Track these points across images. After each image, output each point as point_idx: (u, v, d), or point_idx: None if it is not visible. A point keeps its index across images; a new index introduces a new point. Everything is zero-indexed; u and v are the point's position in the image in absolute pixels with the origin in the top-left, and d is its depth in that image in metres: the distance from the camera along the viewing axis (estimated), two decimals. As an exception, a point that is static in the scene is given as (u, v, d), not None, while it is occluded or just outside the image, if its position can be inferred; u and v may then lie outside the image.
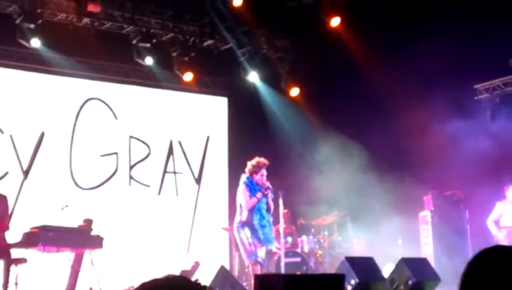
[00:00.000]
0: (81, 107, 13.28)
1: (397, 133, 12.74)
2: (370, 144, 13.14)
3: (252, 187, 10.02)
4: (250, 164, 10.14)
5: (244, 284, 11.21)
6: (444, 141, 12.63)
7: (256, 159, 10.18)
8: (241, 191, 10.05)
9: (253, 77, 14.26)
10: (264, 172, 10.09)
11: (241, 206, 10.04)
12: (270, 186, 10.09)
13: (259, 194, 9.94)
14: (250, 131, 14.11)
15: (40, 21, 11.96)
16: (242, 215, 9.98)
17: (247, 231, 9.89)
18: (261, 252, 9.94)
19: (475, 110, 13.74)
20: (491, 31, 12.05)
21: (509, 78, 13.77)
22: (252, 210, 9.94)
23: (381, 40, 12.78)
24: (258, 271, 9.80)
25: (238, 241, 10.11)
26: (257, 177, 10.05)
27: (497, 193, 12.32)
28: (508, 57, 13.34)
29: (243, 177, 10.12)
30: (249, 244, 9.86)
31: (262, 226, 9.92)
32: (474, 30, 12.02)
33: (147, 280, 2.15)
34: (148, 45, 13.10)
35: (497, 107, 13.93)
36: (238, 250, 12.96)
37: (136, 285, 2.26)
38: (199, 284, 2.15)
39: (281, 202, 10.41)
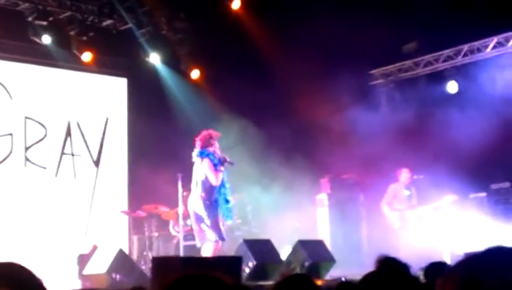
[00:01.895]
0: (-26, 86, 12.84)
1: (296, 118, 12.92)
2: (269, 128, 13.23)
3: (214, 160, 9.59)
4: (199, 140, 9.74)
5: (143, 267, 11.17)
6: (342, 125, 12.91)
7: (207, 132, 9.81)
8: (206, 165, 9.53)
9: (154, 59, 14.10)
10: (217, 144, 9.77)
11: (206, 181, 9.55)
12: (227, 159, 9.75)
13: (222, 167, 9.60)
14: (150, 113, 13.96)
15: None
16: (208, 191, 9.57)
17: (214, 207, 9.55)
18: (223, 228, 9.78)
19: (371, 95, 14.11)
20: (386, 16, 12.32)
21: (403, 64, 14.19)
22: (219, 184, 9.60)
23: (280, 24, 12.89)
24: (220, 249, 9.65)
25: (204, 217, 9.65)
26: (211, 150, 9.69)
27: (391, 176, 12.71)
28: (401, 43, 13.75)
29: (198, 152, 9.66)
30: (219, 221, 9.58)
31: (226, 201, 9.71)
32: (371, 15, 12.25)
33: None
34: (44, 23, 12.73)
35: (392, 92, 14.36)
36: (136, 233, 12.91)
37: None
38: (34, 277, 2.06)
39: (180, 184, 10.39)
